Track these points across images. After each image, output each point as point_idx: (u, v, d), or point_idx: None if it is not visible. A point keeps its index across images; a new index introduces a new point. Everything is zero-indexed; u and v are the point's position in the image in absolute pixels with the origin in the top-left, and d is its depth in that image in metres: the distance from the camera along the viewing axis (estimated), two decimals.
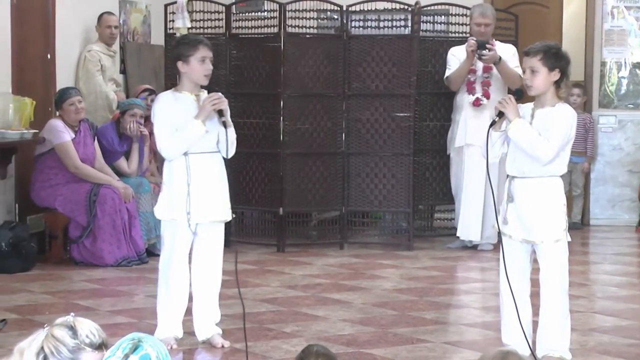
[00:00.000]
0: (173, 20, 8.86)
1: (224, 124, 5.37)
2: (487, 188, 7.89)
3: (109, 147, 8.42)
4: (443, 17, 9.54)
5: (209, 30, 8.95)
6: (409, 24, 9.18)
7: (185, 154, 5.39)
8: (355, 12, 9.21)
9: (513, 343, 5.11)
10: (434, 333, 5.88)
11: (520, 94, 5.45)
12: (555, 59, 5.03)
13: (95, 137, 8.29)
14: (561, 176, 5.15)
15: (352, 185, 9.06)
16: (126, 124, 8.40)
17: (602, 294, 7.26)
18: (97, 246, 7.92)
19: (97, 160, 8.20)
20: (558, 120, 5.04)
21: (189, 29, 8.58)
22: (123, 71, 9.87)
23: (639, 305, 6.86)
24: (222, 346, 5.51)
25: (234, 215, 5.66)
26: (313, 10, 9.14)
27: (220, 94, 5.45)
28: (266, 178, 8.97)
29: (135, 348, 2.77)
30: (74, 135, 8.03)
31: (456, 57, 8.87)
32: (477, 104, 8.77)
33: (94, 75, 9.00)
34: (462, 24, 9.42)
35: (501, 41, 9.01)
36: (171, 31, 9.01)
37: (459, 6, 9.43)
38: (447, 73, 8.94)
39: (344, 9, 9.04)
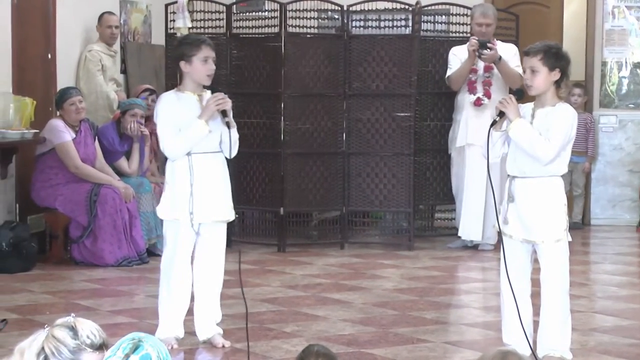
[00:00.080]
0: (174, 20, 8.86)
1: (228, 124, 5.38)
2: (488, 188, 7.88)
3: (110, 147, 8.42)
4: (444, 16, 9.54)
5: (210, 30, 8.95)
6: (410, 24, 9.18)
7: (188, 154, 5.39)
8: (355, 12, 9.21)
9: (514, 343, 5.11)
10: (434, 333, 5.88)
11: (521, 94, 5.45)
12: (556, 58, 5.03)
13: (96, 137, 8.29)
14: (562, 176, 5.15)
15: (352, 185, 9.06)
16: (127, 123, 8.40)
17: (602, 294, 7.25)
18: (98, 246, 7.92)
19: (97, 160, 8.20)
20: (559, 120, 5.04)
21: (189, 28, 8.58)
22: (123, 71, 9.88)
23: None
24: (223, 346, 5.51)
25: (236, 215, 5.67)
26: (314, 10, 9.14)
27: (223, 94, 5.46)
28: (267, 178, 8.97)
29: (135, 348, 2.77)
30: (74, 135, 8.03)
31: (457, 56, 8.87)
32: (478, 103, 8.77)
33: (95, 75, 9.00)
34: (463, 24, 9.42)
35: (502, 41, 9.01)
36: (172, 31, 9.01)
37: (460, 6, 9.43)
38: (449, 72, 8.94)
39: (345, 8, 9.04)
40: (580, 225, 10.33)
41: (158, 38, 10.19)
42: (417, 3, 9.11)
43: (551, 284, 5.12)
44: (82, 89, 8.74)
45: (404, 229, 9.35)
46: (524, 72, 5.13)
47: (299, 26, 8.99)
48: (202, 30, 8.95)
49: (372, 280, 7.55)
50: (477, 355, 2.95)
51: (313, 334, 5.80)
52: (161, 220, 7.34)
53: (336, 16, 9.28)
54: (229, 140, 5.39)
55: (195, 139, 5.36)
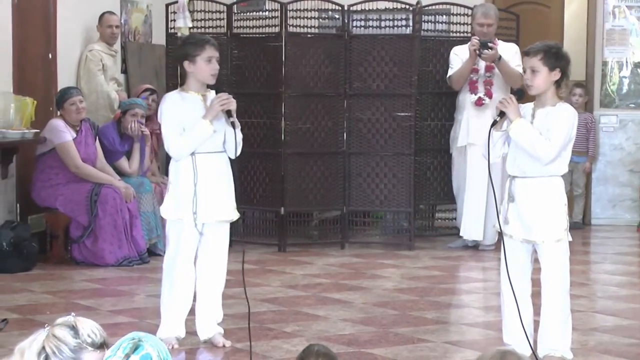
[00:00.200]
0: (174, 20, 8.86)
1: (233, 124, 5.39)
2: (489, 187, 7.89)
3: (110, 147, 8.42)
4: (444, 16, 9.54)
5: (210, 30, 8.95)
6: (410, 24, 9.18)
7: (192, 153, 5.40)
8: (356, 11, 9.21)
9: (514, 343, 5.11)
10: (435, 333, 5.88)
11: (521, 94, 5.45)
12: (556, 58, 5.03)
13: (97, 137, 8.29)
14: (562, 176, 5.15)
15: (353, 185, 9.06)
16: (127, 123, 8.40)
17: (603, 294, 7.25)
18: (98, 246, 7.92)
19: (98, 160, 8.20)
20: (559, 120, 5.04)
21: (190, 28, 8.58)
22: (124, 71, 9.87)
23: None
24: (224, 345, 5.51)
25: (239, 215, 5.67)
26: (314, 10, 9.14)
27: (228, 94, 5.46)
28: (267, 178, 8.97)
29: (135, 348, 2.77)
30: (75, 135, 8.03)
31: (459, 56, 8.88)
32: (479, 103, 8.77)
33: (96, 75, 9.00)
34: (464, 24, 9.42)
35: (503, 41, 9.01)
36: (172, 31, 9.01)
37: (460, 6, 9.43)
38: (450, 72, 8.94)
39: (345, 8, 9.04)
40: (580, 225, 10.33)
41: (159, 38, 10.19)
42: (418, 3, 9.11)
43: (551, 283, 5.12)
44: (83, 89, 8.74)
45: (404, 229, 9.35)
46: (524, 72, 5.13)
47: (299, 26, 8.99)
48: (202, 30, 8.95)
49: (372, 280, 7.55)
50: (478, 355, 2.95)
51: (313, 333, 5.80)
52: (162, 220, 7.35)
53: (337, 16, 9.28)
54: (234, 140, 5.40)
55: (199, 139, 5.37)
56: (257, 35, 9.05)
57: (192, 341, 5.58)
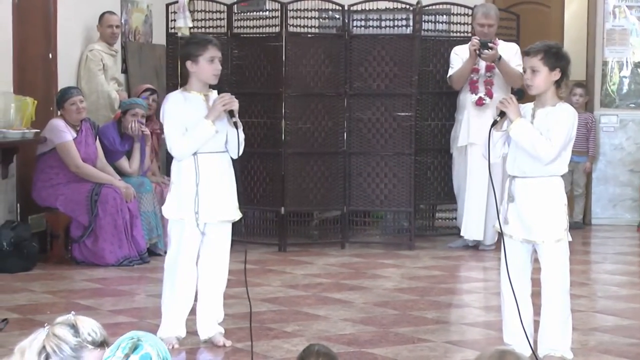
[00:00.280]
0: (175, 20, 8.87)
1: (235, 125, 5.39)
2: (490, 187, 7.89)
3: (111, 147, 8.42)
4: (444, 16, 9.54)
5: (211, 30, 8.95)
6: (411, 24, 9.18)
7: (194, 153, 5.40)
8: (356, 11, 9.21)
9: (514, 343, 5.11)
10: (435, 332, 5.88)
11: (522, 94, 5.45)
12: (556, 58, 5.03)
13: (97, 137, 8.30)
14: (563, 176, 5.15)
15: (353, 184, 9.06)
16: (127, 123, 8.40)
17: (603, 294, 7.25)
18: (99, 246, 7.93)
19: (98, 159, 8.20)
20: (559, 120, 5.04)
21: (190, 28, 8.58)
22: (124, 71, 9.87)
23: None
24: (224, 345, 5.52)
25: (241, 215, 5.68)
26: (314, 10, 9.14)
27: (230, 94, 5.47)
28: (267, 177, 8.97)
29: (135, 348, 2.76)
30: (75, 135, 8.04)
31: (459, 56, 8.88)
32: (479, 103, 8.77)
33: (96, 75, 9.00)
34: (464, 24, 9.42)
35: (503, 40, 9.01)
36: (173, 31, 9.01)
37: (461, 5, 9.43)
38: (450, 72, 8.94)
39: (346, 8, 9.04)
40: (581, 225, 10.33)
41: (159, 38, 10.19)
42: (418, 3, 9.11)
43: (551, 283, 5.12)
44: (83, 89, 8.74)
45: (404, 229, 9.35)
46: (524, 71, 5.13)
47: (299, 26, 8.99)
48: (202, 30, 8.95)
49: (372, 279, 7.55)
50: (476, 355, 2.94)
51: (314, 333, 5.80)
52: (162, 220, 7.35)
53: (337, 16, 9.28)
54: (236, 140, 5.41)
55: (202, 139, 5.37)
56: (258, 35, 9.05)
57: (192, 341, 5.58)
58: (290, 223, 9.00)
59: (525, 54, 5.13)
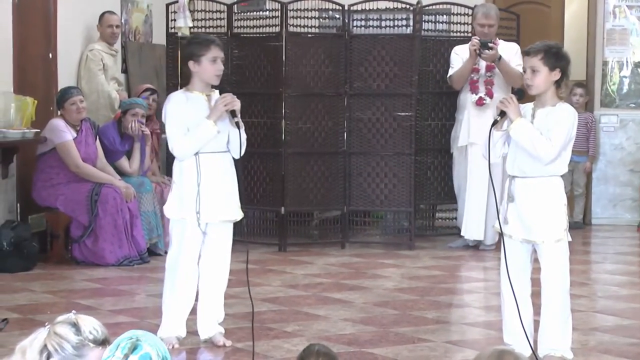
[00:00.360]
0: (175, 20, 8.86)
1: (237, 125, 5.40)
2: (490, 187, 7.89)
3: (111, 147, 8.42)
4: (445, 16, 9.54)
5: (211, 30, 8.95)
6: (411, 24, 9.18)
7: (196, 153, 5.40)
8: (356, 11, 9.21)
9: (514, 343, 5.11)
10: (435, 332, 5.88)
11: (522, 94, 5.45)
12: (556, 58, 5.03)
13: (97, 137, 8.29)
14: (563, 175, 5.15)
15: (353, 184, 9.06)
16: (127, 123, 8.40)
17: (603, 294, 7.25)
18: (99, 246, 7.92)
19: (98, 159, 8.20)
20: (559, 120, 5.04)
21: (190, 28, 8.58)
22: (124, 71, 9.87)
23: None
24: (224, 345, 5.52)
25: (243, 215, 5.68)
26: (315, 10, 9.14)
27: (232, 94, 5.47)
28: (268, 177, 8.97)
29: (134, 348, 2.76)
30: (75, 135, 8.04)
31: (459, 56, 8.88)
32: (480, 103, 8.77)
33: (96, 75, 9.00)
34: (464, 24, 9.42)
35: (504, 40, 9.01)
36: (173, 31, 9.01)
37: (461, 5, 9.43)
38: (450, 72, 8.94)
39: (346, 8, 9.04)
40: (581, 225, 10.33)
41: (159, 37, 10.19)
42: (418, 3, 9.11)
43: (551, 283, 5.12)
44: (83, 89, 8.74)
45: (404, 229, 9.35)
46: (525, 71, 5.13)
47: (300, 26, 8.99)
48: (203, 29, 8.95)
49: (372, 279, 7.55)
50: (476, 355, 2.94)
51: (314, 333, 5.80)
52: (162, 220, 7.35)
53: (337, 16, 9.27)
54: (238, 140, 5.41)
55: (204, 140, 5.37)
56: (258, 35, 9.05)
57: (192, 341, 5.58)
58: (291, 223, 9.00)
59: (525, 53, 5.13)
